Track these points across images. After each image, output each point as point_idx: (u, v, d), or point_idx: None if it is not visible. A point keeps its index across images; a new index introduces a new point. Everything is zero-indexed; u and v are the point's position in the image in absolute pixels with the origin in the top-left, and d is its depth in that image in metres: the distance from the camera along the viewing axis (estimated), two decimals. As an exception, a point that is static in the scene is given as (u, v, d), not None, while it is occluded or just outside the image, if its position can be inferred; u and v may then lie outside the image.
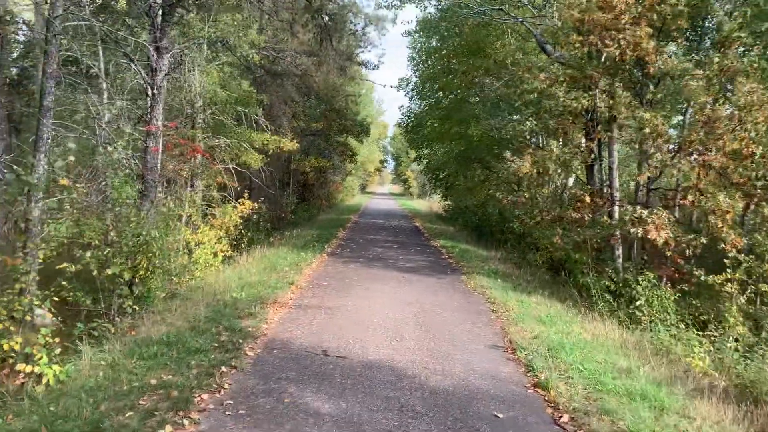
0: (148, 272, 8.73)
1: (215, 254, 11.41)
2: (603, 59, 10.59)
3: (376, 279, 10.70)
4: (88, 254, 7.80)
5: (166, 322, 7.17)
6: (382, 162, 74.95)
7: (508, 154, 10.61)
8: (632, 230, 9.23)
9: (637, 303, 8.90)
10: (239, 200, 14.25)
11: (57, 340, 5.96)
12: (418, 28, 19.83)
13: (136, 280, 8.59)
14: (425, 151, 32.49)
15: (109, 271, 7.76)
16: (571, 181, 18.46)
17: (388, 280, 10.69)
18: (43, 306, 6.89)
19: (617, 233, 10.03)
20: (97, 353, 5.84)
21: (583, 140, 16.21)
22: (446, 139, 22.79)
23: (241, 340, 6.29)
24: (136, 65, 10.59)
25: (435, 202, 42.69)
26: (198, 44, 13.48)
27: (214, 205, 14.80)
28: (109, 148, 10.01)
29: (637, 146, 12.22)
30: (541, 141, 18.96)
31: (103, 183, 9.99)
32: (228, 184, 15.19)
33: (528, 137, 17.93)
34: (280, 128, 22.48)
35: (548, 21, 14.03)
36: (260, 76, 15.55)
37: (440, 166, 30.23)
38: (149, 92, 10.81)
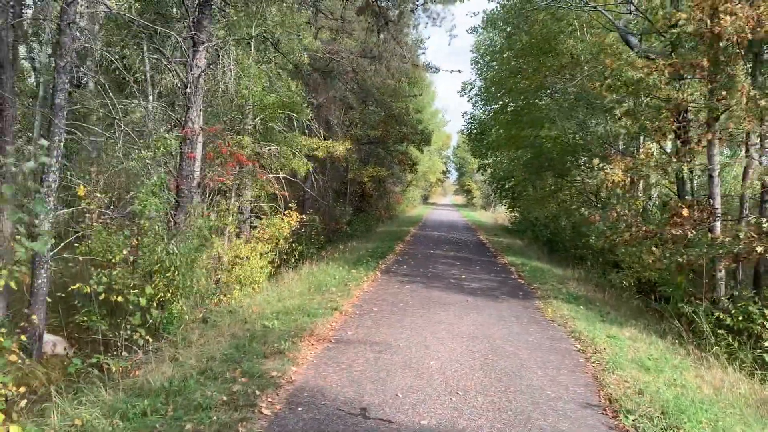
0: (169, 294, 7.57)
1: (252, 270, 10.20)
2: (709, 43, 8.73)
3: (436, 303, 9.17)
4: (95, 275, 6.70)
5: (177, 359, 5.92)
6: (444, 173, 73.25)
7: (596, 160, 8.89)
8: (759, 249, 7.34)
9: (766, 344, 7.00)
10: (286, 212, 13.10)
11: (18, 388, 4.75)
12: (484, 24, 18.23)
13: (154, 303, 7.45)
14: (490, 160, 30.73)
15: (118, 297, 6.63)
16: (654, 193, 16.36)
17: (449, 305, 9.15)
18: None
19: (737, 252, 8.12)
20: (75, 407, 4.60)
21: (668, 145, 14.20)
22: (514, 146, 21.02)
23: (258, 391, 4.92)
24: (168, 60, 9.57)
25: (500, 214, 40.66)
26: (244, 41, 12.45)
27: (263, 216, 13.74)
28: (135, 155, 9.02)
29: (745, 146, 10.21)
30: (622, 146, 16.94)
31: (132, 194, 8.99)
32: (279, 194, 14.08)
33: (610, 142, 15.98)
34: (335, 135, 21.41)
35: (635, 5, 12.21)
36: (311, 78, 14.40)
37: (506, 175, 28.39)
38: (185, 91, 9.81)
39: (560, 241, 19.72)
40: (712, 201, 9.63)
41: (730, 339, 7.41)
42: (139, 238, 7.99)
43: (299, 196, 19.53)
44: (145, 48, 11.76)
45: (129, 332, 6.55)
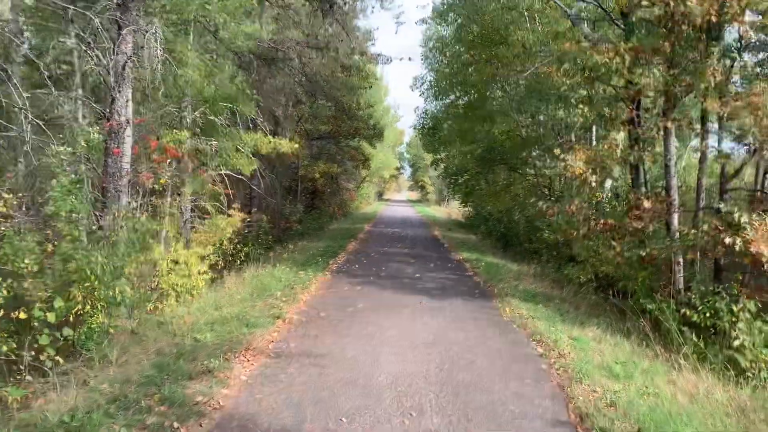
0: (88, 307, 6.71)
1: (191, 276, 9.36)
2: (670, 28, 8.38)
3: (388, 306, 8.56)
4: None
5: (88, 384, 5.11)
6: (398, 168, 72.96)
7: (557, 150, 8.42)
8: (727, 241, 6.99)
9: (735, 342, 6.65)
10: (228, 211, 12.26)
11: None
12: (433, 15, 17.72)
13: (71, 317, 6.58)
14: (442, 155, 30.40)
15: (20, 314, 5.74)
16: (608, 185, 16.19)
17: (402, 307, 8.55)
18: None
19: (701, 245, 7.79)
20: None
21: (620, 135, 14.00)
22: (466, 140, 20.62)
23: (178, 423, 4.20)
24: (89, 45, 8.63)
25: (453, 209, 40.48)
26: (180, 28, 11.55)
27: (205, 217, 12.85)
28: (50, 150, 8.07)
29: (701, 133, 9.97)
30: (574, 138, 16.69)
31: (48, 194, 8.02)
32: (222, 192, 13.20)
33: (562, 133, 15.70)
34: (284, 131, 20.55)
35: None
36: (252, 66, 13.53)
37: (459, 170, 28.08)
38: (110, 80, 8.92)
39: (514, 236, 19.44)
40: (669, 192, 9.33)
41: (696, 338, 7.04)
42: (55, 243, 7.08)
43: (246, 194, 18.64)
44: (72, 35, 10.74)
45: (34, 353, 5.69)
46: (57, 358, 5.73)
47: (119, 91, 8.95)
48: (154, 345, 6.25)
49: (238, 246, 14.04)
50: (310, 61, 15.28)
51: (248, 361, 5.74)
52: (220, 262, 12.32)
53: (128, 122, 9.29)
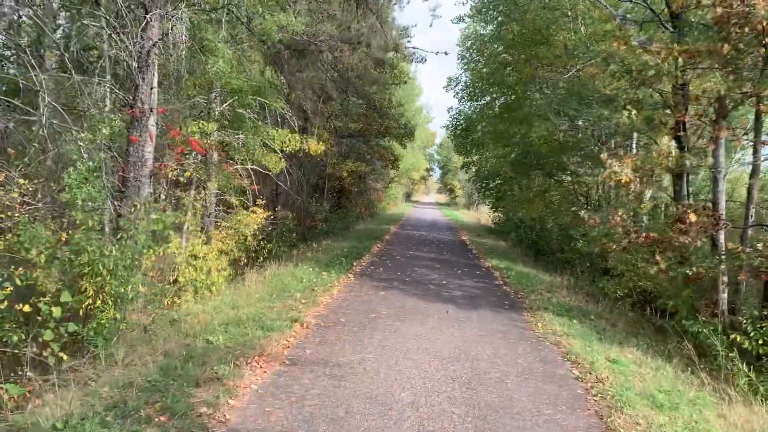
0: (99, 302, 6.41)
1: (209, 272, 9.06)
2: (727, 30, 7.76)
3: (412, 314, 8.12)
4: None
5: (88, 386, 4.79)
6: (428, 170, 72.33)
7: (604, 155, 7.84)
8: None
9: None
10: (251, 208, 11.97)
11: None
12: (472, 12, 17.20)
13: (81, 312, 6.30)
14: (474, 158, 29.79)
15: (25, 306, 5.45)
16: (647, 194, 15.48)
17: (427, 316, 8.10)
18: None
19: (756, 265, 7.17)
20: None
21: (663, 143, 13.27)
22: (501, 143, 20.03)
23: (176, 438, 3.83)
24: (115, 29, 8.37)
25: (483, 214, 39.77)
26: (211, 17, 11.27)
27: (230, 212, 12.59)
28: (69, 137, 7.85)
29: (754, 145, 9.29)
30: (613, 145, 15.99)
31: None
32: (248, 188, 12.93)
33: (603, 141, 15.05)
34: (313, 127, 20.25)
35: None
36: (282, 59, 13.18)
37: (491, 173, 27.46)
38: (133, 66, 8.67)
39: (546, 245, 18.80)
40: (716, 206, 8.71)
41: (744, 367, 6.44)
42: (69, 233, 6.81)
43: (272, 190, 18.38)
44: (104, 23, 10.54)
45: (38, 349, 5.40)
46: (61, 354, 5.44)
47: (143, 78, 8.71)
48: (163, 345, 5.92)
49: (262, 242, 13.76)
50: (342, 55, 14.92)
51: (260, 367, 5.35)
52: (243, 258, 12.04)
53: (152, 110, 9.03)
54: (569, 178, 17.62)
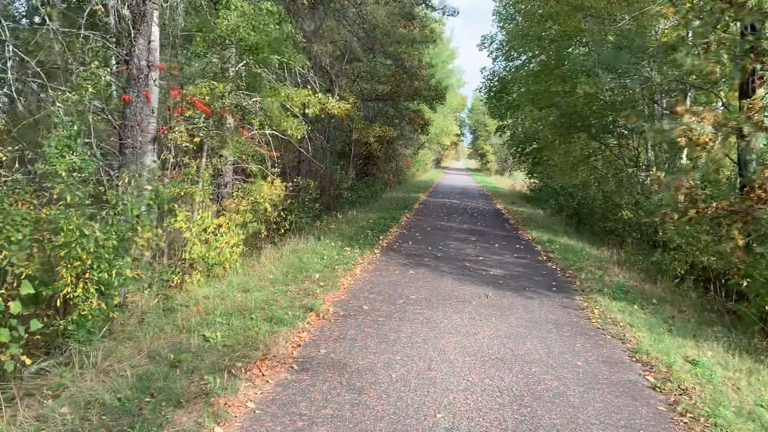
0: (80, 290, 5.48)
1: (220, 248, 8.10)
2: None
3: (446, 300, 7.05)
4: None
5: (43, 404, 3.85)
6: (458, 135, 70.52)
7: (681, 107, 6.52)
8: None
9: None
10: (268, 177, 10.93)
11: None
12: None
13: (59, 302, 5.39)
14: (509, 121, 28.24)
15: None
16: (703, 158, 13.94)
17: (464, 302, 7.02)
18: None
19: None
20: None
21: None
22: (539, 104, 18.52)
23: (134, 493, 2.85)
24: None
25: (517, 180, 38.21)
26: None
27: (248, 181, 11.61)
28: (55, 97, 6.86)
29: None
30: (665, 104, 14.40)
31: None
32: (267, 155, 11.86)
33: (656, 99, 13.53)
34: (338, 89, 19.04)
35: None
36: (302, 11, 11.95)
37: (527, 137, 25.93)
38: (125, 16, 7.64)
39: (590, 213, 17.44)
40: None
41: None
42: (44, 210, 5.86)
43: (294, 157, 17.35)
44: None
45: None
46: (23, 358, 4.52)
47: (138, 30, 7.67)
48: (151, 343, 4.97)
49: (282, 213, 12.79)
50: (366, 8, 13.61)
51: (262, 376, 4.35)
52: (263, 231, 11.10)
53: (150, 67, 8.00)
54: (615, 141, 16.15)
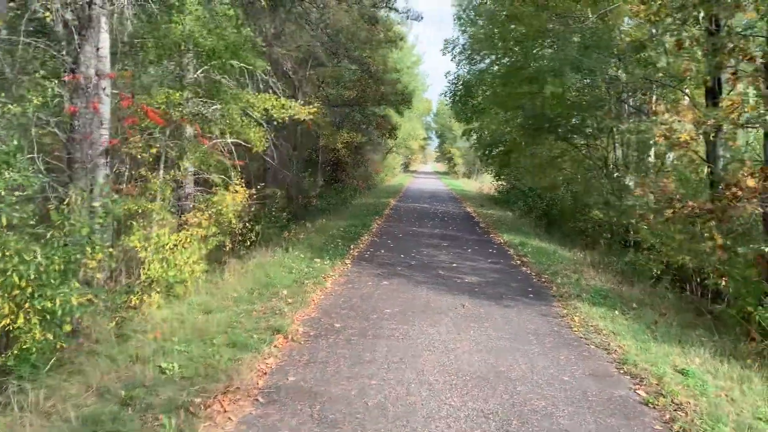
0: (20, 321, 4.98)
1: (178, 265, 7.62)
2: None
3: (422, 312, 6.71)
4: None
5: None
6: (425, 139, 70.60)
7: (661, 106, 6.32)
8: None
9: None
10: (230, 186, 10.47)
11: None
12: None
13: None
14: (476, 124, 28.14)
15: None
16: (669, 159, 13.96)
17: (439, 313, 6.69)
18: None
19: None
20: None
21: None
22: (506, 106, 18.39)
23: None
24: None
25: (485, 183, 38.24)
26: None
27: (210, 192, 11.09)
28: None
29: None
30: (632, 102, 14.37)
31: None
32: (229, 165, 11.36)
33: (620, 97, 13.48)
34: (304, 96, 18.62)
35: None
36: (263, 15, 11.51)
37: (494, 140, 25.86)
38: (70, 21, 7.18)
39: (560, 213, 17.39)
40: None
41: None
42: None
43: (259, 166, 16.86)
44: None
45: None
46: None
47: (84, 37, 7.20)
48: (102, 376, 4.51)
49: (248, 224, 12.30)
50: (328, 11, 13.25)
51: (224, 412, 3.93)
52: (228, 244, 10.62)
53: (99, 76, 7.52)
54: (583, 142, 16.09)
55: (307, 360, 5.00)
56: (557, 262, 10.44)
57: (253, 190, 11.11)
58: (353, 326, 6.04)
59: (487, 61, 23.59)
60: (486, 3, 18.25)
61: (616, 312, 7.01)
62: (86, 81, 7.24)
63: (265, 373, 4.65)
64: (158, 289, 7.29)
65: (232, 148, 11.20)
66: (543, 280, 8.97)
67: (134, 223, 7.51)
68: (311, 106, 12.93)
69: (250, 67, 11.48)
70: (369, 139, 27.98)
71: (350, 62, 20.25)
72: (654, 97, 13.42)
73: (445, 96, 29.58)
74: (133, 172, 9.84)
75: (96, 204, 6.78)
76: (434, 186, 41.06)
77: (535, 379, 4.78)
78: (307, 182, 19.92)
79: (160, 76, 10.98)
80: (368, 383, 4.52)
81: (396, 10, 16.28)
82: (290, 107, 11.53)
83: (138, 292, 7.01)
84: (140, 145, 9.56)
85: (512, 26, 16.22)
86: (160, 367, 4.66)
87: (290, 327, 5.78)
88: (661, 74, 9.63)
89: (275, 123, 14.04)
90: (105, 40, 7.60)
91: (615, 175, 9.56)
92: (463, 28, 25.53)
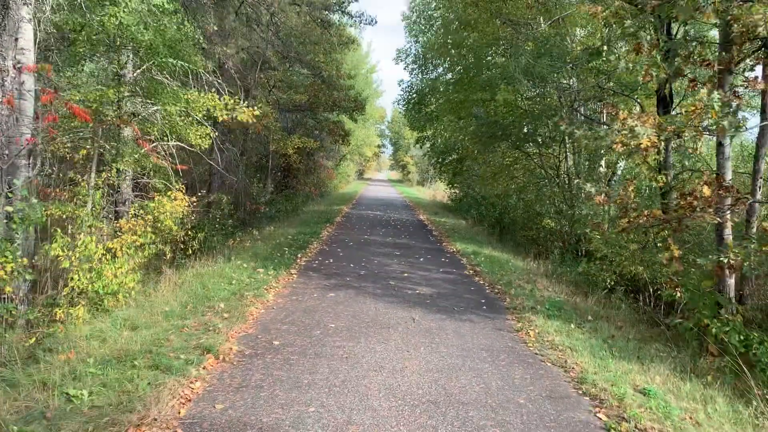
0: None
1: (104, 276, 6.97)
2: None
3: (369, 327, 6.28)
4: None
5: None
6: (379, 146, 70.45)
7: (623, 113, 6.05)
8: None
9: None
10: (170, 193, 9.83)
11: None
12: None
13: None
14: (429, 132, 28.03)
15: None
16: (620, 169, 14.00)
17: (388, 328, 6.27)
18: None
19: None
20: None
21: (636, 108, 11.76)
22: (459, 114, 18.22)
23: None
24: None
25: (438, 190, 38.21)
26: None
27: (150, 198, 10.40)
28: None
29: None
30: (583, 111, 14.36)
31: None
32: (169, 168, 10.69)
33: (576, 107, 13.42)
34: (255, 100, 17.99)
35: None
36: (207, 12, 10.93)
37: (447, 148, 25.77)
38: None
39: (512, 222, 17.27)
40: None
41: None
42: None
43: (205, 170, 16.16)
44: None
45: None
46: None
47: (11, 32, 6.59)
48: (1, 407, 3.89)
49: (190, 232, 11.62)
50: (279, 12, 12.74)
51: (135, 451, 3.40)
52: (168, 252, 9.95)
53: (18, 68, 6.88)
54: (535, 150, 16.03)
55: (239, 384, 4.49)
56: (510, 271, 10.19)
57: (195, 197, 10.52)
58: (293, 344, 5.55)
59: (440, 69, 23.55)
60: (439, 9, 18.05)
61: (572, 325, 6.75)
62: (2, 74, 6.61)
63: (190, 400, 4.12)
64: (82, 302, 6.66)
65: (174, 151, 10.57)
66: (496, 290, 8.67)
67: (58, 230, 6.85)
68: (256, 108, 12.38)
69: (193, 68, 10.86)
70: (322, 145, 27.43)
71: (302, 66, 19.76)
72: (604, 108, 13.44)
73: (398, 104, 29.43)
74: (61, 175, 9.11)
75: (9, 209, 6.14)
76: (388, 193, 40.79)
77: (489, 402, 4.41)
78: (256, 188, 19.24)
79: (96, 74, 10.31)
80: (305, 411, 4.05)
81: (349, 14, 15.90)
82: (233, 108, 10.95)
83: (63, 305, 6.39)
84: (68, 145, 8.89)
85: (465, 33, 16.07)
86: (67, 394, 4.07)
87: (223, 346, 5.25)
88: (612, 83, 9.54)
89: (222, 126, 13.41)
90: (27, 31, 6.97)
91: (575, 181, 9.39)
92: (415, 37, 25.50)
